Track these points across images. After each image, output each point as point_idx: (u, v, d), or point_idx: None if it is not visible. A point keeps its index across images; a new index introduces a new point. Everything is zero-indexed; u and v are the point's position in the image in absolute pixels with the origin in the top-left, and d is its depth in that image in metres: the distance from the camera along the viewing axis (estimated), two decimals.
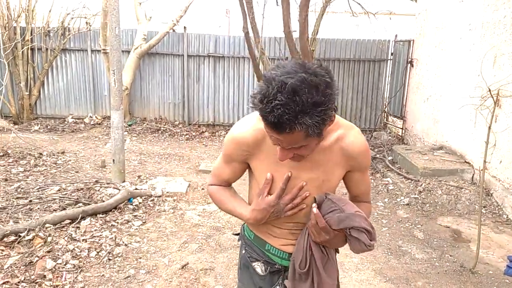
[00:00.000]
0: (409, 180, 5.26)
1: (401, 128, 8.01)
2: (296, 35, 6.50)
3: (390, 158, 6.30)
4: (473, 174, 5.09)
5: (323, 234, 1.26)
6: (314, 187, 1.31)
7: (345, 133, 1.30)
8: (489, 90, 3.11)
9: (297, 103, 1.01)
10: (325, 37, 8.11)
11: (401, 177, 5.45)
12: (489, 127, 3.21)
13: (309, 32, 6.45)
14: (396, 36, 8.34)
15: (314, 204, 1.28)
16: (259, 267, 1.49)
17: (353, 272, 3.31)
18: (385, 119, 8.72)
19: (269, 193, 1.31)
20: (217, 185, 1.51)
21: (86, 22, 8.49)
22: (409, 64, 7.78)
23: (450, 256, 3.63)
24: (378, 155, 6.52)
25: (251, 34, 6.79)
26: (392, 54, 8.42)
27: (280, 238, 1.44)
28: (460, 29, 5.79)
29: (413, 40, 7.70)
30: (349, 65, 8.43)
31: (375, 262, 3.50)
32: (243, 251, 1.55)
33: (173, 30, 8.37)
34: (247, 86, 8.46)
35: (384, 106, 8.65)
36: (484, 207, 4.55)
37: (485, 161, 3.30)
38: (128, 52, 8.13)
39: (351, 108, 8.57)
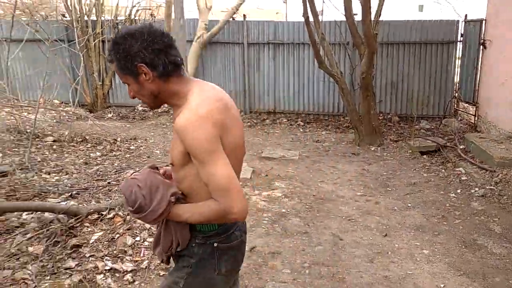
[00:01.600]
0: (484, 170, 4.93)
1: (473, 115, 7.49)
2: (357, 18, 6.28)
3: (462, 146, 5.93)
4: None
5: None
6: (170, 155, 1.50)
7: (182, 109, 1.39)
8: None
9: (113, 40, 1.40)
10: (388, 19, 7.73)
11: (474, 167, 5.12)
12: None
13: (372, 15, 6.20)
14: (466, 16, 7.74)
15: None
16: None
17: (424, 264, 3.21)
18: (455, 105, 8.19)
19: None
20: None
21: (151, 14, 8.86)
22: (481, 46, 7.21)
23: None
24: (448, 144, 6.17)
25: (311, 19, 6.66)
26: (462, 35, 7.82)
27: None
28: None
29: (485, 20, 7.11)
30: (415, 49, 7.98)
31: (448, 254, 3.35)
32: None
33: (233, 19, 8.45)
34: (307, 73, 8.33)
35: (454, 92, 8.12)
36: None
37: None
38: (191, 41, 8.34)
39: (418, 94, 8.11)
